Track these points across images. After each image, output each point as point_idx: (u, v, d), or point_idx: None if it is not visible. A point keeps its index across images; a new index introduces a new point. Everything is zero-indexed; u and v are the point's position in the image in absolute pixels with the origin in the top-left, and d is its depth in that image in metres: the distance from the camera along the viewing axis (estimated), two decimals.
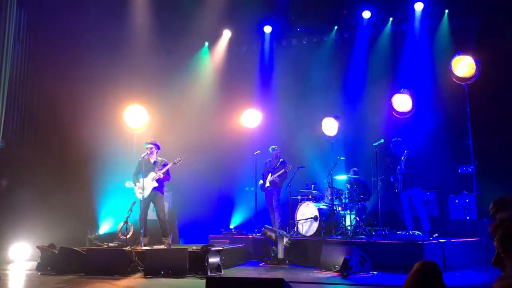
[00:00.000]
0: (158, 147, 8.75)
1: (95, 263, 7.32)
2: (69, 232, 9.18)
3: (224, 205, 11.77)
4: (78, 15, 10.42)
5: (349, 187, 9.67)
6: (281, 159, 10.13)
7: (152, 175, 8.51)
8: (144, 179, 8.45)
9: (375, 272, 7.13)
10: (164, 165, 8.61)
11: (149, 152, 8.61)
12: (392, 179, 9.30)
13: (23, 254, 9.16)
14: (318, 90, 11.42)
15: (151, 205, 8.69)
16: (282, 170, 9.88)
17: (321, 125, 11.18)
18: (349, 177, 9.83)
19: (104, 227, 10.16)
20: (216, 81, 12.08)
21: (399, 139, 9.13)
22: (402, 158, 8.94)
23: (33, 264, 8.08)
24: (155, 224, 8.79)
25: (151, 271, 7.03)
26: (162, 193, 8.75)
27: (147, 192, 8.46)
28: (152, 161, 8.68)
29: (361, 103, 11.30)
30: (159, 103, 10.96)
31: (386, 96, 10.44)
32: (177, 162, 8.58)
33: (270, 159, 10.32)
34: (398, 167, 8.97)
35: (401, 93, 10.12)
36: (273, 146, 10.30)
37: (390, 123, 10.52)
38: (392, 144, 9.17)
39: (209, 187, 11.45)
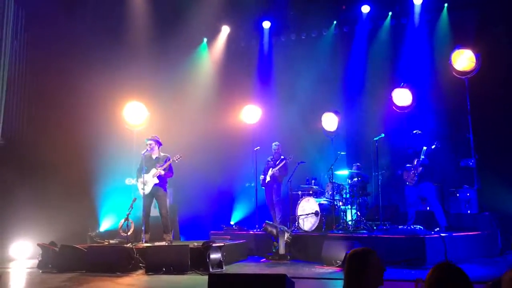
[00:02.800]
0: (159, 143, 8.73)
1: (96, 260, 7.31)
2: (70, 230, 9.15)
3: (224, 201, 11.77)
4: (76, 12, 10.36)
5: (350, 182, 9.64)
6: (282, 156, 10.11)
7: (154, 171, 8.49)
8: (146, 175, 8.43)
9: None
10: (166, 161, 8.57)
11: (149, 149, 8.57)
12: (399, 173, 9.25)
13: (24, 252, 9.14)
14: (318, 85, 11.40)
15: (154, 201, 8.67)
16: (283, 162, 9.87)
17: (321, 121, 11.15)
18: (350, 171, 9.81)
19: (105, 225, 10.13)
20: (215, 77, 12.04)
21: (419, 131, 9.08)
22: (423, 149, 8.83)
23: (34, 262, 8.07)
24: (156, 221, 8.77)
25: (152, 268, 7.02)
26: (165, 189, 8.69)
27: (148, 189, 8.44)
28: (154, 157, 8.66)
29: (361, 98, 11.29)
30: (158, 100, 10.91)
31: (386, 90, 10.40)
32: (176, 159, 8.54)
33: (272, 156, 10.29)
34: (417, 160, 8.88)
35: (401, 87, 10.10)
36: (275, 143, 10.28)
37: (390, 118, 10.49)
38: (413, 137, 9.10)
39: (210, 183, 11.45)
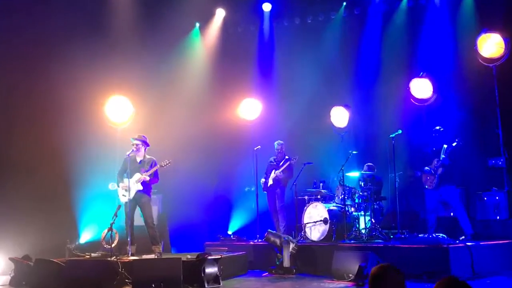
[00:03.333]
0: (146, 144, 8.70)
1: (76, 276, 7.26)
2: (46, 242, 9.09)
3: (221, 208, 11.74)
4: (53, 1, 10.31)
5: (362, 185, 9.62)
6: (286, 156, 10.08)
7: (138, 176, 8.45)
8: (129, 180, 8.38)
9: None
10: (152, 166, 8.54)
11: (135, 149, 8.54)
12: (417, 174, 9.23)
13: None
14: (326, 76, 11.39)
15: (138, 209, 8.65)
16: (288, 163, 9.85)
17: (329, 116, 11.12)
18: (362, 173, 9.79)
19: (86, 235, 10.09)
20: (209, 68, 12.01)
21: (441, 128, 9.04)
22: (444, 147, 8.80)
23: (5, 279, 8.02)
24: (143, 231, 8.74)
25: (140, 284, 6.98)
26: (149, 196, 8.71)
27: (131, 195, 8.40)
28: (138, 160, 8.62)
29: (375, 90, 11.26)
30: (145, 94, 10.88)
31: (403, 81, 10.40)
32: (165, 165, 8.51)
33: (275, 157, 10.27)
34: (436, 160, 8.86)
35: (420, 77, 10.10)
36: (278, 141, 10.25)
37: (408, 112, 10.48)
38: (435, 134, 9.06)
39: (204, 188, 11.41)
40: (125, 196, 8.39)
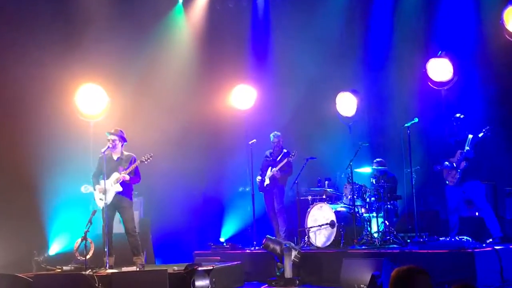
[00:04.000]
0: (123, 139, 8.70)
1: None
2: (9, 254, 9.07)
3: (211, 211, 11.77)
4: None
5: (374, 182, 9.66)
6: (284, 150, 10.10)
7: (116, 175, 8.45)
8: (106, 181, 8.39)
9: None
10: (131, 163, 8.54)
11: (111, 146, 8.54)
12: (437, 169, 9.27)
13: None
14: (330, 57, 11.41)
15: (117, 215, 8.67)
16: (285, 160, 9.87)
17: (335, 103, 11.13)
18: (374, 169, 9.82)
19: (56, 246, 10.07)
20: (195, 50, 11.98)
21: (462, 116, 9.09)
22: (468, 138, 8.83)
23: None
24: (122, 240, 8.75)
25: None
26: (130, 198, 8.71)
27: (109, 199, 8.41)
28: (115, 157, 8.63)
29: (387, 73, 11.30)
30: (121, 82, 10.86)
31: (419, 61, 10.43)
32: (146, 160, 8.52)
33: (271, 150, 10.29)
34: (460, 152, 8.90)
35: (439, 57, 10.14)
36: (274, 133, 10.26)
37: (425, 97, 10.52)
38: (455, 123, 9.11)
39: (192, 189, 11.44)
40: (102, 200, 8.38)
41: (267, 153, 10.37)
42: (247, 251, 9.79)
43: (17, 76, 9.91)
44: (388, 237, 9.00)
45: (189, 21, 12.33)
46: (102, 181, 8.40)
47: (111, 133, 8.61)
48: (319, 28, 11.60)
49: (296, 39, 11.77)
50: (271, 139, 10.26)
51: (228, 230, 11.57)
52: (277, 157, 10.13)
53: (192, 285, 7.09)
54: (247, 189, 10.71)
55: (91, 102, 10.53)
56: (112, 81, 10.71)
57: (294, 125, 11.20)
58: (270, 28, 12.38)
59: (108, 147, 8.52)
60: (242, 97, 11.65)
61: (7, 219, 9.45)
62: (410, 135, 9.04)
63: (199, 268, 7.33)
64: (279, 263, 8.56)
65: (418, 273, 2.98)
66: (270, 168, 10.08)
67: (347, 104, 11.22)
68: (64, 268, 8.75)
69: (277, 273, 8.53)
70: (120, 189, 8.46)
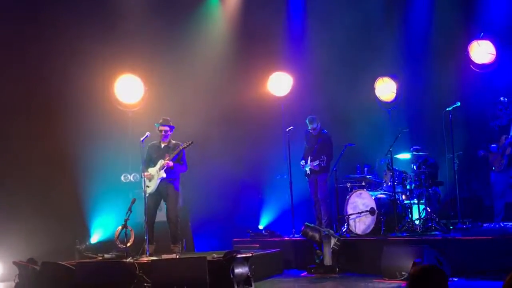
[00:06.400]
0: (172, 128, 8.89)
1: (88, 280, 7.36)
2: (53, 243, 9.28)
3: (250, 199, 11.79)
4: None
5: (415, 168, 9.51)
6: (323, 131, 9.95)
7: (161, 163, 8.57)
8: (151, 169, 8.58)
9: (456, 279, 7.04)
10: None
11: (163, 136, 8.72)
12: (480, 154, 9.09)
13: None
14: (368, 42, 11.29)
15: (161, 203, 8.83)
16: (317, 162, 9.65)
17: (374, 88, 10.99)
18: (413, 154, 9.67)
19: (97, 234, 10.25)
20: (232, 38, 11.94)
21: (506, 99, 8.90)
22: None
23: (9, 285, 8.21)
24: (162, 228, 8.84)
25: None
26: (176, 187, 8.82)
27: (154, 185, 8.54)
28: (162, 145, 8.77)
29: (427, 56, 11.11)
30: (158, 71, 10.96)
31: (461, 44, 10.27)
32: (187, 146, 8.60)
33: (310, 129, 10.07)
34: (504, 137, 8.75)
35: (481, 39, 9.99)
36: (311, 116, 10.07)
37: (467, 81, 10.34)
38: (499, 106, 8.93)
39: (230, 177, 11.43)
40: (149, 187, 8.51)
41: (306, 132, 10.20)
42: (286, 238, 9.82)
43: (58, 68, 10.08)
44: (430, 224, 8.86)
45: (224, 8, 12.30)
46: (150, 169, 8.57)
47: (161, 124, 8.74)
48: (357, 11, 11.41)
49: (333, 24, 11.59)
50: (307, 123, 10.02)
51: (266, 217, 11.58)
52: (315, 143, 9.97)
53: (231, 272, 7.08)
54: (285, 177, 10.65)
55: (129, 92, 10.67)
56: (149, 71, 10.82)
57: (332, 112, 11.08)
58: (307, 13, 12.25)
59: (147, 136, 8.57)
60: (279, 84, 11.61)
61: (50, 209, 9.69)
62: (452, 119, 8.89)
63: (238, 256, 7.31)
64: (318, 251, 8.54)
65: (435, 272, 2.96)
66: (309, 157, 9.95)
67: (386, 89, 11.10)
68: (105, 256, 8.87)
69: (317, 261, 8.52)
70: (164, 175, 8.56)
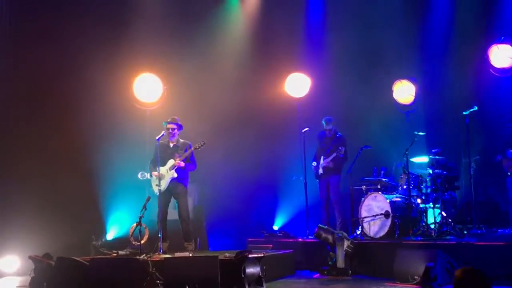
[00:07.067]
0: (180, 127, 8.88)
1: (102, 276, 7.40)
2: (69, 239, 9.39)
3: (265, 199, 11.80)
4: None
5: (431, 172, 9.45)
6: (337, 134, 9.95)
7: (171, 162, 8.61)
8: (161, 168, 8.58)
9: None
10: (187, 150, 8.68)
11: (170, 135, 8.73)
12: (497, 159, 9.06)
13: (11, 266, 9.44)
14: (387, 44, 11.19)
15: (173, 201, 8.85)
16: (334, 154, 9.71)
17: (391, 91, 10.93)
18: (431, 158, 9.61)
19: (113, 231, 10.35)
20: (250, 38, 11.98)
21: None
22: None
23: (25, 279, 8.30)
24: (176, 226, 8.90)
25: (172, 285, 7.08)
26: (186, 186, 8.88)
27: (164, 185, 8.58)
28: (171, 145, 8.80)
29: (446, 59, 11.05)
30: (177, 70, 11.02)
31: (480, 47, 10.19)
32: (199, 147, 8.66)
33: (325, 130, 10.08)
34: None
35: (501, 42, 9.91)
36: (328, 117, 10.05)
37: (485, 85, 10.28)
38: None
39: (245, 177, 11.45)
40: (158, 186, 8.56)
41: (321, 133, 10.20)
42: (300, 240, 9.81)
43: (77, 67, 10.19)
44: (445, 229, 8.82)
45: (243, 9, 12.34)
46: (158, 168, 8.58)
47: (169, 122, 8.77)
48: (375, 13, 11.40)
49: (351, 25, 11.57)
50: (323, 124, 10.03)
51: (281, 218, 11.59)
52: (330, 142, 9.96)
53: (243, 272, 7.09)
54: (300, 178, 10.64)
55: (148, 92, 10.75)
56: (168, 70, 10.87)
57: (349, 114, 11.06)
58: (326, 14, 12.24)
59: (162, 134, 8.66)
60: (296, 85, 11.61)
61: (67, 205, 9.80)
62: (469, 124, 8.82)
63: (250, 256, 7.32)
64: (331, 253, 8.52)
65: (480, 276, 2.99)
66: (322, 157, 9.95)
67: (405, 92, 11.03)
68: (120, 252, 8.94)
69: (330, 263, 8.50)
70: (175, 175, 8.62)
